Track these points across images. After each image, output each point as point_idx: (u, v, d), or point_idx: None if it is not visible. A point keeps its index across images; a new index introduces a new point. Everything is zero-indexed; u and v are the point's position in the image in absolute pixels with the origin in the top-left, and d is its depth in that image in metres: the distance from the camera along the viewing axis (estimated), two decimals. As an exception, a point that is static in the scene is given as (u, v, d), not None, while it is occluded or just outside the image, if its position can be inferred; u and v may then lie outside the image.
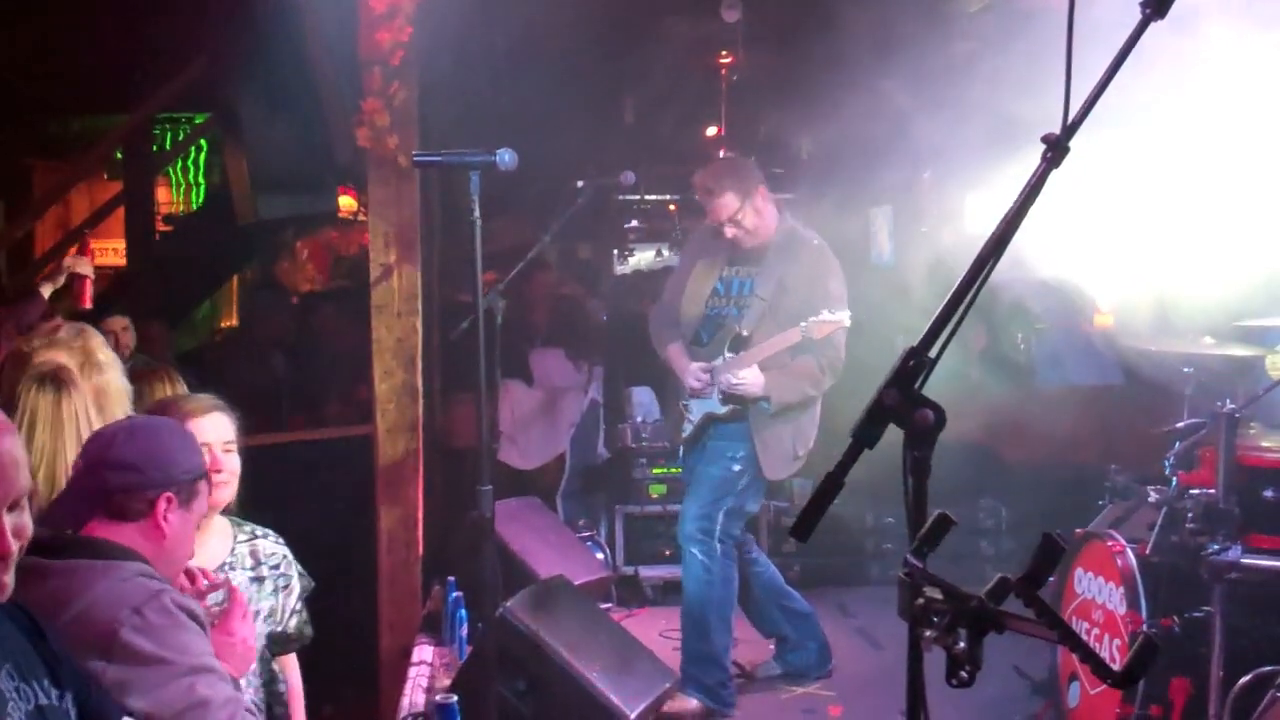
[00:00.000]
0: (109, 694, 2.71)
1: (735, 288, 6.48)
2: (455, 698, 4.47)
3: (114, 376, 4.25)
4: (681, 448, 6.74)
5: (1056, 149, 2.21)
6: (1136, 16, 2.23)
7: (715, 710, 6.32)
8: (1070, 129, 2.20)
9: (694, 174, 6.54)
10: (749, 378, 6.20)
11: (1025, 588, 1.91)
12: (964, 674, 1.92)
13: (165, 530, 3.04)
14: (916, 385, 2.14)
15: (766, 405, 6.25)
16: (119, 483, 3.01)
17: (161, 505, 3.03)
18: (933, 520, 2.05)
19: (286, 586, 4.10)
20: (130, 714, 2.75)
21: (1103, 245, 5.12)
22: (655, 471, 8.56)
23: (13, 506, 2.19)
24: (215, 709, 2.87)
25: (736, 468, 6.37)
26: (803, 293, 6.26)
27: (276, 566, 4.07)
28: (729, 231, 6.37)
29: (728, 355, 6.34)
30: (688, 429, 6.54)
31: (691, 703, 6.23)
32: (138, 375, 4.73)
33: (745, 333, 6.34)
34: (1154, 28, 2.21)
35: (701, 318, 6.55)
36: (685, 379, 6.47)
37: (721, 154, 6.60)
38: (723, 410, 6.39)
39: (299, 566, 4.17)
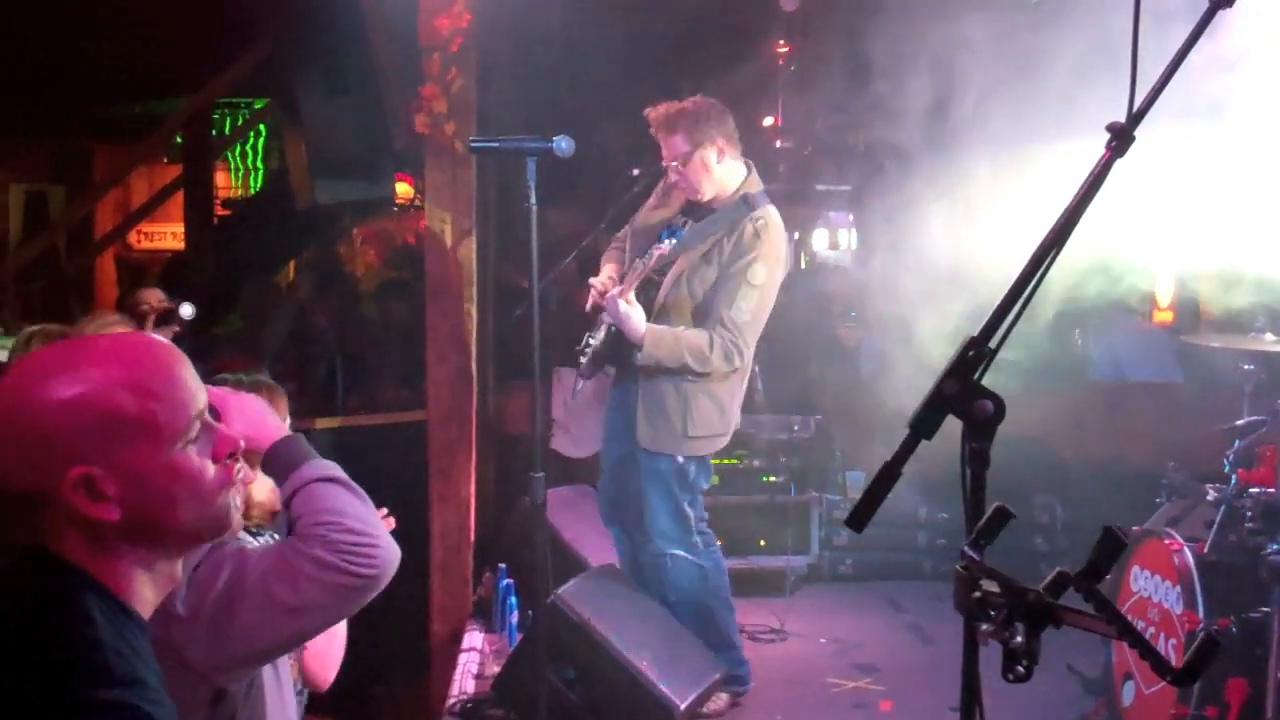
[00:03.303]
0: None
1: (676, 235, 6.11)
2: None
3: None
4: (580, 381, 6.48)
5: (1121, 138, 2.18)
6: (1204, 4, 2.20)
7: (739, 693, 6.28)
8: (1136, 117, 2.17)
9: (653, 110, 6.12)
10: (627, 312, 5.85)
11: (1085, 581, 1.89)
12: (1020, 668, 1.90)
13: None
14: (976, 376, 2.12)
15: (638, 353, 5.92)
16: None
17: None
18: (990, 512, 2.02)
19: None
20: None
21: (1163, 239, 5.06)
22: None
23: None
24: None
25: (680, 459, 6.12)
26: (724, 265, 5.94)
27: None
28: (672, 176, 6.10)
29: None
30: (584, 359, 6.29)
31: (721, 698, 6.18)
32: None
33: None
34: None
35: (638, 251, 6.21)
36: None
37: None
38: (597, 340, 6.12)
39: None
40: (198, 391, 2.12)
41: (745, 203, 6.02)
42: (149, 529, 2.04)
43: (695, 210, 6.14)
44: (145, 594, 2.07)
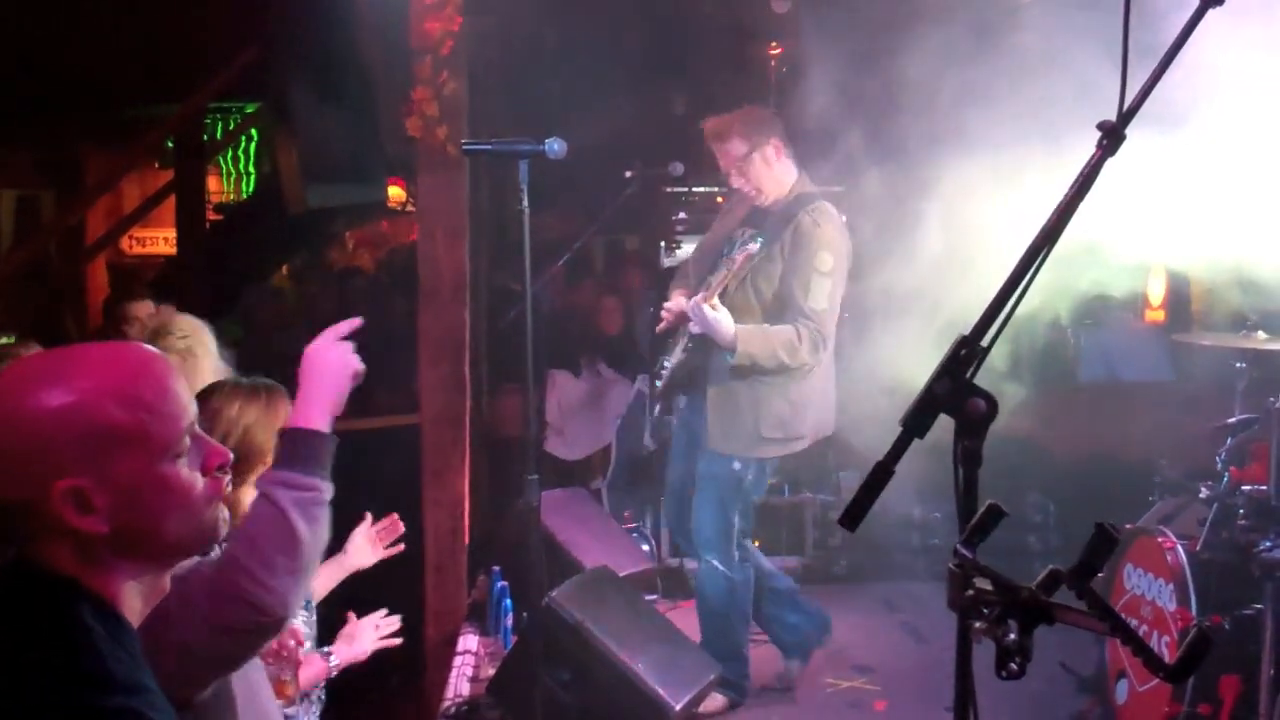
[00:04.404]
0: None
1: (738, 246, 6.15)
2: None
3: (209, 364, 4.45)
4: (658, 405, 6.63)
5: (1112, 137, 2.18)
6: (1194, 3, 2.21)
7: (736, 701, 6.27)
8: (1126, 116, 2.18)
9: (705, 123, 6.22)
10: (715, 317, 5.84)
11: (1077, 579, 1.89)
12: (1014, 665, 1.90)
13: None
14: (968, 374, 2.12)
15: (730, 356, 5.92)
16: None
17: None
18: (983, 510, 2.03)
19: None
20: None
21: (1155, 238, 5.07)
22: (701, 464, 8.51)
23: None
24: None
25: (737, 465, 6.11)
26: (788, 259, 5.98)
27: None
28: (734, 181, 6.16)
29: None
30: (659, 382, 6.43)
31: (718, 700, 6.19)
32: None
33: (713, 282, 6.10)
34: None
35: (709, 267, 6.28)
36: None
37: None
38: (681, 356, 6.21)
39: None
40: (189, 403, 2.11)
41: (800, 199, 6.10)
42: (137, 542, 2.02)
43: (754, 217, 6.21)
44: (134, 604, 2.05)
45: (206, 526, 2.11)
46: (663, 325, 6.26)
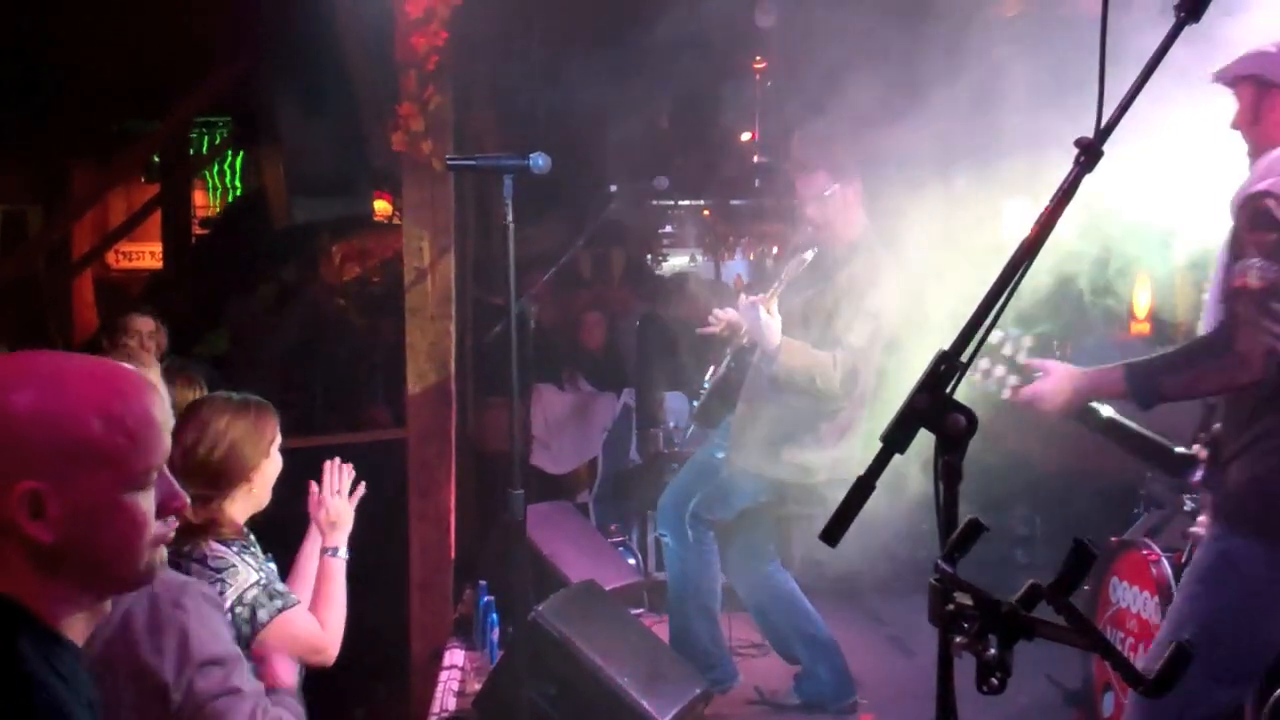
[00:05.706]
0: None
1: (793, 260, 6.23)
2: None
3: None
4: (692, 426, 6.69)
5: (1090, 153, 2.19)
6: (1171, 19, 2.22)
7: (713, 689, 6.23)
8: (1104, 132, 2.18)
9: (796, 138, 6.33)
10: (767, 321, 5.87)
11: (1056, 594, 1.90)
12: (994, 681, 1.91)
13: None
14: (948, 390, 2.13)
15: (772, 364, 5.94)
16: None
17: None
18: (963, 526, 2.03)
19: None
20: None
21: (1141, 249, 5.08)
22: (688, 477, 8.51)
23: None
24: (246, 699, 2.95)
25: (719, 455, 6.22)
26: (839, 297, 6.04)
27: None
28: (810, 210, 6.14)
29: None
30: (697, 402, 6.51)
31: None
32: (169, 375, 4.84)
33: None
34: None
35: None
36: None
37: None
38: (723, 371, 6.29)
39: None
40: (166, 439, 2.09)
41: (862, 247, 6.11)
42: (76, 561, 1.99)
43: (818, 257, 6.18)
44: (77, 625, 2.03)
45: (144, 567, 2.07)
46: (706, 329, 6.25)
